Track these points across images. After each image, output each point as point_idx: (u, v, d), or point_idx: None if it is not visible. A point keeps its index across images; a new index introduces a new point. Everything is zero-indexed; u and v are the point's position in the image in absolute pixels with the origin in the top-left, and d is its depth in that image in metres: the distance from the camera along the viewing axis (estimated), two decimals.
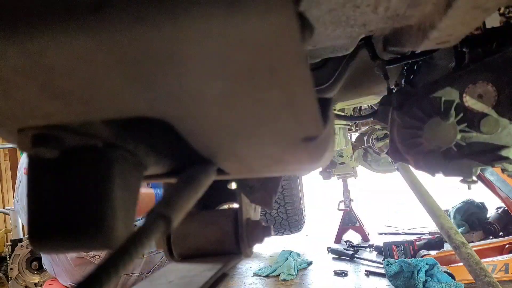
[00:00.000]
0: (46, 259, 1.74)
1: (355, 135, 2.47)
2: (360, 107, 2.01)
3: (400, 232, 2.79)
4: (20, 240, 2.21)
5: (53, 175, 0.22)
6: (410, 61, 0.85)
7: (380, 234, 2.80)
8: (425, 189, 1.77)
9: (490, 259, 1.65)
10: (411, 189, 1.80)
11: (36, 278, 2.11)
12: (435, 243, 2.13)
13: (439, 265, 1.64)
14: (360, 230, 2.65)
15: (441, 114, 0.72)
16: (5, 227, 2.98)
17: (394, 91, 0.80)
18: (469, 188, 0.74)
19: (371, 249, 2.37)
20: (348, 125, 2.13)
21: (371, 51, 0.71)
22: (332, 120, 0.25)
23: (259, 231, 0.49)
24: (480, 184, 1.77)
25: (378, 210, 3.69)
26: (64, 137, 0.21)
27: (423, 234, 2.54)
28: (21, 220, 2.17)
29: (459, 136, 0.72)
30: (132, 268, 1.66)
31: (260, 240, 0.49)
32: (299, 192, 2.41)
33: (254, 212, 0.53)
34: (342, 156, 2.37)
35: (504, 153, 0.72)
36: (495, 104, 0.70)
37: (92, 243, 0.21)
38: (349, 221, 2.67)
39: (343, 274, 1.96)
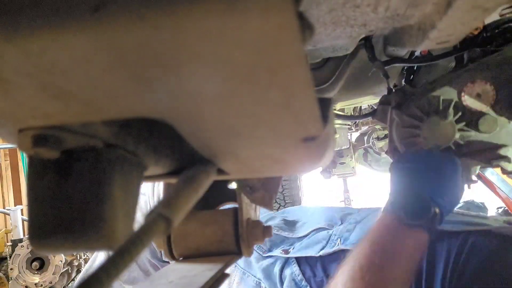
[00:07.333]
0: None
1: (355, 135, 2.47)
2: (360, 107, 2.01)
3: None
4: (21, 240, 2.21)
5: (53, 175, 0.22)
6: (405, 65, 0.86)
7: None
8: None
9: None
10: None
11: (36, 278, 2.11)
12: None
13: None
14: None
15: (440, 113, 0.72)
16: (5, 227, 2.98)
17: (393, 90, 0.80)
18: (469, 187, 0.75)
19: None
20: (348, 125, 2.13)
21: (370, 52, 0.71)
22: (332, 120, 0.25)
23: (260, 231, 0.49)
24: (480, 184, 1.76)
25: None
26: (64, 138, 0.21)
27: None
28: None
29: (457, 135, 0.73)
30: None
31: (260, 240, 0.49)
32: (299, 192, 2.41)
33: (254, 212, 0.53)
34: (342, 156, 2.37)
35: (502, 152, 0.72)
36: (493, 103, 0.70)
37: (92, 243, 0.21)
38: None
39: None
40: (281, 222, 1.11)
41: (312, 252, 0.91)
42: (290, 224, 1.11)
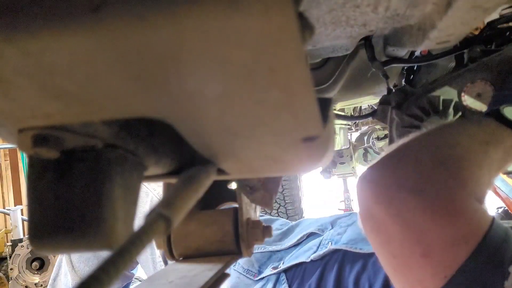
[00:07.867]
0: None
1: (355, 135, 2.47)
2: (360, 107, 2.01)
3: None
4: (21, 240, 2.21)
5: (53, 175, 0.22)
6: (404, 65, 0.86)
7: None
8: None
9: None
10: None
11: (36, 278, 2.11)
12: None
13: None
14: None
15: (440, 113, 0.72)
16: (5, 227, 2.98)
17: (393, 90, 0.80)
18: None
19: None
20: (348, 125, 2.13)
21: (370, 52, 0.71)
22: (332, 120, 0.25)
23: (260, 231, 0.49)
24: None
25: None
26: (64, 138, 0.21)
27: None
28: None
29: None
30: None
31: (260, 240, 0.49)
32: (299, 192, 2.41)
33: (254, 212, 0.53)
34: (342, 156, 2.38)
35: None
36: None
37: (92, 243, 0.21)
38: None
39: None
40: None
41: (303, 258, 0.90)
42: (278, 235, 1.08)
